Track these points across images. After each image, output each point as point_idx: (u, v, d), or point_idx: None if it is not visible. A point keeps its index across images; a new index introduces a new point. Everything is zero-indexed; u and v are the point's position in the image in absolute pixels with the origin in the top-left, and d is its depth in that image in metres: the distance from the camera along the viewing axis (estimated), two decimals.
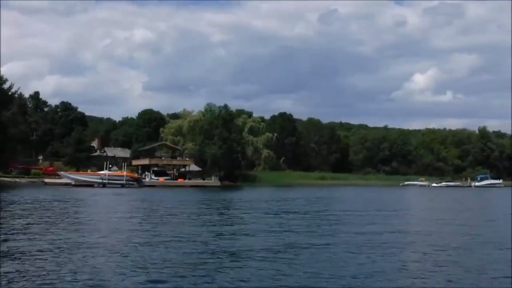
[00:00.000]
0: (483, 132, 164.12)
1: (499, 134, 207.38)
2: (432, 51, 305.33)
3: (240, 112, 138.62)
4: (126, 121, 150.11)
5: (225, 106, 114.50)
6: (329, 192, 77.00)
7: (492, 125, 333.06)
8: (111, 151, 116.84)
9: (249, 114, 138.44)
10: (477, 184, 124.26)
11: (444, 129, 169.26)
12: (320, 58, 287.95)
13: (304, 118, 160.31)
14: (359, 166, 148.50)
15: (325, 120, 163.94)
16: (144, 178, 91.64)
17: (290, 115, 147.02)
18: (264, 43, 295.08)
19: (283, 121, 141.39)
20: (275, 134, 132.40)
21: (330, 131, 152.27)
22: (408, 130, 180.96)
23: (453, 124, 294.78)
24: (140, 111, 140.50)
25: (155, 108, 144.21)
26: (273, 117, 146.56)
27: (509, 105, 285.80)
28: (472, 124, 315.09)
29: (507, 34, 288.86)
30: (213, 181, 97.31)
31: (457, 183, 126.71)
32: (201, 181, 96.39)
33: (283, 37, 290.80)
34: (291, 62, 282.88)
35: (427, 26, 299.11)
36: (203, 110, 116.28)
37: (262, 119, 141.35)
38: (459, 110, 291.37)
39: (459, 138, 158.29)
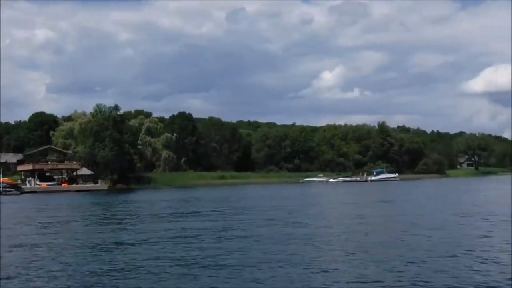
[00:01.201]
0: (382, 127, 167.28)
1: (404, 129, 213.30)
2: (339, 49, 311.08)
3: (138, 113, 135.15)
4: (19, 124, 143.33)
5: (116, 107, 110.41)
6: (217, 192, 75.64)
7: (399, 121, 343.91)
8: (3, 157, 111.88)
9: (147, 115, 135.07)
10: (373, 178, 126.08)
11: (345, 124, 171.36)
12: (229, 56, 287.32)
13: (215, 117, 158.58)
14: (262, 164, 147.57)
15: (234, 119, 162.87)
16: (25, 184, 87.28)
17: (190, 115, 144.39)
18: (172, 41, 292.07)
19: (183, 121, 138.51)
20: (175, 135, 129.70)
21: (231, 130, 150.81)
22: (315, 127, 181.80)
23: (361, 120, 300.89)
24: (31, 114, 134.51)
25: (59, 110, 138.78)
26: (172, 117, 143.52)
27: (414, 100, 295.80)
28: (379, 120, 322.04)
29: (410, 32, 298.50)
30: (100, 184, 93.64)
31: (354, 178, 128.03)
32: (87, 185, 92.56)
33: (190, 36, 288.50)
34: (199, 61, 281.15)
35: (333, 25, 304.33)
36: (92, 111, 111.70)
37: (161, 119, 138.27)
38: (366, 107, 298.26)
39: (359, 134, 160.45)
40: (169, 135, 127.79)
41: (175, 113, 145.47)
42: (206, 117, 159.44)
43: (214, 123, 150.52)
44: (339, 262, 16.84)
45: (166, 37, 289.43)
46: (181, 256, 18.00)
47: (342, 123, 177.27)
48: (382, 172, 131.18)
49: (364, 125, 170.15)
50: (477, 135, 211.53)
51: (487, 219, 29.55)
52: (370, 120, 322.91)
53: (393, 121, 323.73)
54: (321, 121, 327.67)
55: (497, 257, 17.24)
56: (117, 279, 14.59)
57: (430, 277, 14.41)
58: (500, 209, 35.41)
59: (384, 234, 23.74)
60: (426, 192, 66.93)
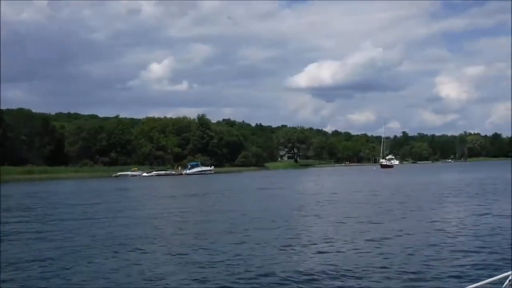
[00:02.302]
0: (202, 120, 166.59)
1: (229, 122, 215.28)
2: (168, 41, 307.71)
3: None
4: None
5: None
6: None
7: (227, 113, 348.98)
8: None
9: None
10: (188, 171, 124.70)
11: (165, 117, 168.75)
12: (52, 44, 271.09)
13: (38, 109, 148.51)
14: (76, 157, 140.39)
15: (56, 110, 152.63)
16: None
17: None
18: None
19: None
20: None
21: (43, 122, 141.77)
22: (139, 119, 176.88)
23: (190, 113, 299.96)
24: None
25: None
26: None
27: (242, 93, 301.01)
28: (208, 112, 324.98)
29: (238, 26, 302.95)
30: None
31: (169, 172, 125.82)
32: None
33: (11, 22, 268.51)
34: (21, 49, 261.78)
35: (162, 16, 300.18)
36: None
37: None
38: (195, 99, 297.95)
39: (179, 126, 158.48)
40: None
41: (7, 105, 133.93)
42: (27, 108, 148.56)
43: (23, 115, 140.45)
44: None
45: None
46: None
47: (171, 115, 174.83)
48: (197, 165, 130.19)
49: (184, 118, 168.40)
50: (297, 128, 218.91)
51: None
52: (199, 112, 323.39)
53: (221, 114, 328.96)
54: (149, 114, 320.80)
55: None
56: None
57: None
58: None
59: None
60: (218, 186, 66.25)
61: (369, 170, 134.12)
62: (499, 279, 3.23)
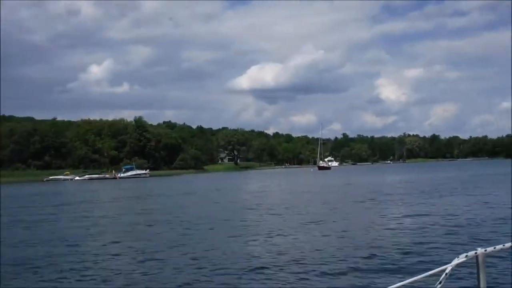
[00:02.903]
0: (139, 122, 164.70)
1: (169, 124, 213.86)
2: (108, 42, 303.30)
3: None
4: None
5: None
6: None
7: (169, 116, 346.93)
8: None
9: None
10: (122, 175, 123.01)
11: (101, 119, 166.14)
12: None
13: None
14: (8, 161, 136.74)
15: None
16: None
17: None
18: None
19: None
20: None
21: None
22: (70, 122, 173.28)
23: (130, 115, 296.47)
24: None
25: None
26: None
27: (184, 96, 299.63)
28: (150, 115, 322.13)
29: (180, 28, 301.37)
30: None
31: (102, 175, 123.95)
32: None
33: None
34: None
35: (102, 17, 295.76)
36: None
37: None
38: (136, 102, 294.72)
39: (115, 129, 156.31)
40: None
41: None
42: None
43: None
44: None
45: None
46: None
47: (113, 118, 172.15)
48: (131, 169, 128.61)
49: (121, 120, 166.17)
50: (238, 130, 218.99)
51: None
52: (141, 115, 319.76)
53: (164, 116, 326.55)
54: (90, 116, 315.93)
55: None
56: None
57: None
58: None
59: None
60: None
61: (307, 172, 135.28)
62: (436, 272, 3.20)
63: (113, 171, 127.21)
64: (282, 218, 26.96)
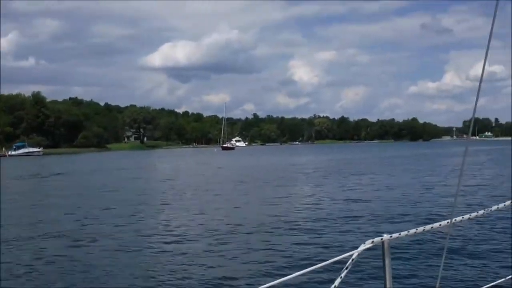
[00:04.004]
0: (37, 97, 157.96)
1: (75, 101, 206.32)
2: (14, 14, 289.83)
3: None
4: None
5: None
6: None
7: (77, 92, 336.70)
8: None
9: None
10: (13, 153, 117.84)
11: None
12: None
13: None
14: None
15: None
16: None
17: None
18: None
19: None
20: None
21: None
22: None
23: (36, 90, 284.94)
24: None
25: None
26: None
27: (94, 72, 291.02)
28: (57, 91, 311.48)
29: (89, 1, 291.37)
30: None
31: None
32: None
33: None
34: None
35: None
36: None
37: None
38: (43, 77, 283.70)
39: (11, 104, 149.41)
40: None
41: None
42: None
43: None
44: None
45: None
46: None
47: (18, 92, 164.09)
48: (23, 146, 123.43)
49: (17, 95, 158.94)
50: (145, 108, 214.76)
51: None
52: (47, 90, 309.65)
53: (71, 93, 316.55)
54: None
55: None
56: None
57: None
58: None
59: None
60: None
61: (210, 152, 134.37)
62: (342, 258, 3.17)
63: (3, 149, 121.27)
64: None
